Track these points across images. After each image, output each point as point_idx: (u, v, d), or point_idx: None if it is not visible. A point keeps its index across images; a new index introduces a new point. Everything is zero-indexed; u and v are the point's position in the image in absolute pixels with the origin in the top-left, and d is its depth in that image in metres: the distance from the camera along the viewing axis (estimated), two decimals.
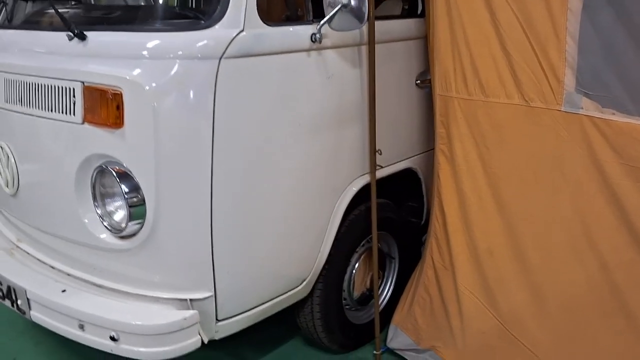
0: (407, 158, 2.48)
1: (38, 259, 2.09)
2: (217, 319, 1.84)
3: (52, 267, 2.03)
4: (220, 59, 1.65)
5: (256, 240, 1.88)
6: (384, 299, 2.70)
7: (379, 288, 2.67)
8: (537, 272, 1.91)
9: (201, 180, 1.69)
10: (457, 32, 1.97)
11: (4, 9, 2.27)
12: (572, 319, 1.83)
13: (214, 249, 1.75)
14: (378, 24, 2.11)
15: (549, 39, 1.71)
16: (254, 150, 1.79)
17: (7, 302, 2.00)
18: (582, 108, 1.68)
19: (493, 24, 1.85)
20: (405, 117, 2.40)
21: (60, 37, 1.78)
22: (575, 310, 1.82)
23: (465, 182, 2.08)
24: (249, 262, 1.88)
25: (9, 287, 1.96)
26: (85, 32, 1.73)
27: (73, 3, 2.12)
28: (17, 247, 2.20)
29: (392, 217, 2.57)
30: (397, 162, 2.41)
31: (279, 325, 2.49)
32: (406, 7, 2.68)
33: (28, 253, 2.15)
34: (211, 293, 1.78)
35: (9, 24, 2.18)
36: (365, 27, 2.02)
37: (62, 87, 1.75)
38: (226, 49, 1.66)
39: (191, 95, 1.64)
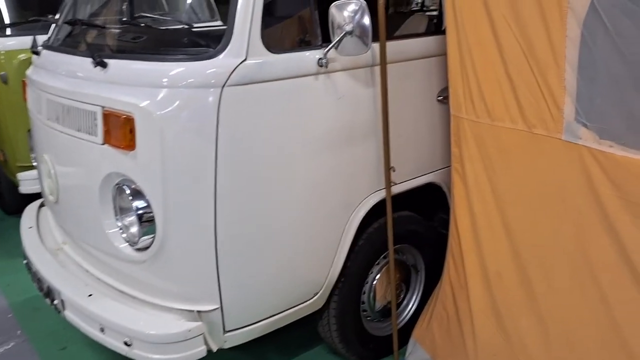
0: (430, 172, 2.48)
1: (77, 262, 2.30)
2: (225, 330, 1.96)
3: (87, 271, 2.23)
4: (223, 87, 1.76)
5: (262, 255, 1.98)
6: (409, 311, 2.72)
7: (403, 300, 2.71)
8: (541, 299, 1.88)
9: (204, 200, 1.81)
10: (465, 54, 1.96)
11: (53, 30, 2.50)
12: (574, 351, 1.78)
13: (218, 264, 1.87)
14: (393, 44, 2.14)
15: (549, 66, 1.67)
16: (258, 169, 1.89)
17: (48, 300, 2.23)
18: (580, 138, 1.63)
19: (497, 48, 1.82)
20: (425, 133, 2.41)
21: (87, 63, 1.96)
22: (576, 342, 1.77)
23: (476, 204, 2.07)
24: (255, 276, 1.98)
25: (48, 287, 2.18)
26: (106, 60, 1.90)
27: (100, 31, 2.30)
28: (62, 248, 2.43)
29: (416, 230, 2.58)
30: (416, 177, 2.42)
31: (306, 329, 2.56)
32: (434, 21, 2.67)
33: (69, 255, 2.36)
34: (217, 305, 1.91)
35: (53, 45, 2.41)
36: (378, 48, 2.05)
37: (87, 111, 1.93)
38: (228, 77, 1.76)
39: (195, 121, 1.77)
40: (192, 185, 1.81)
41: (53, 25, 2.60)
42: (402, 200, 2.38)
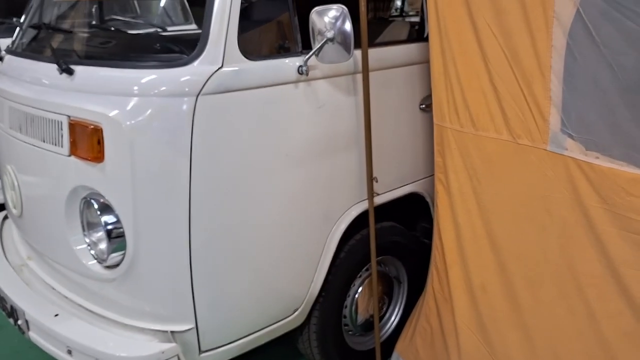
0: (412, 182, 2.43)
1: (42, 279, 2.18)
2: (200, 350, 1.87)
3: (53, 288, 2.11)
4: (198, 95, 1.68)
5: (240, 271, 1.89)
6: (392, 324, 2.67)
7: (385, 313, 2.65)
8: (527, 313, 1.84)
9: (178, 214, 1.72)
10: (449, 63, 1.92)
11: (17, 35, 2.38)
12: None
13: (193, 282, 1.78)
14: (375, 51, 2.09)
15: (534, 76, 1.63)
16: (235, 181, 1.81)
17: (11, 320, 2.10)
18: (566, 149, 1.59)
19: (482, 57, 1.78)
20: (407, 142, 2.36)
21: (52, 69, 1.85)
22: (563, 356, 1.74)
23: (460, 215, 2.03)
24: (232, 294, 1.90)
25: (12, 307, 2.06)
26: (72, 66, 1.80)
27: (67, 35, 2.19)
28: (27, 264, 2.30)
29: (398, 241, 2.53)
30: (399, 187, 2.37)
31: (285, 345, 2.47)
32: (416, 27, 2.62)
33: (34, 271, 2.24)
34: (192, 325, 1.82)
35: (17, 50, 2.29)
36: (359, 56, 1.99)
37: (52, 120, 1.83)
38: (203, 86, 1.68)
39: (167, 132, 1.68)
40: (164, 199, 1.71)
41: (17, 29, 2.48)
42: (384, 210, 2.33)
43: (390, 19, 4.18)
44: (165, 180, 1.70)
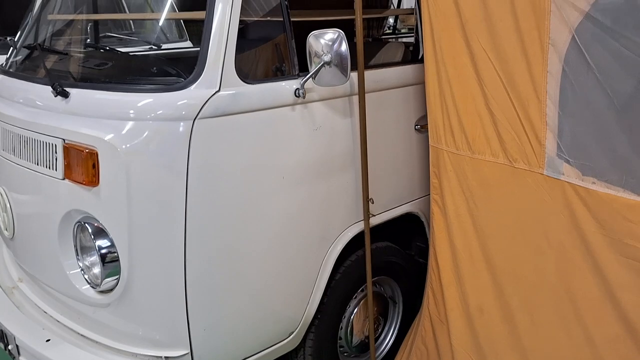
0: (408, 202, 2.43)
1: (34, 302, 2.15)
2: None
3: (45, 312, 2.08)
4: (195, 119, 1.67)
5: (235, 295, 1.88)
6: (387, 344, 2.65)
7: (380, 334, 2.63)
8: (525, 336, 1.83)
9: (174, 239, 1.70)
10: (445, 86, 1.92)
11: (11, 54, 2.37)
12: None
13: (188, 306, 1.76)
14: (371, 73, 2.09)
15: (530, 100, 1.64)
16: (231, 205, 1.80)
17: (1, 345, 2.07)
18: (563, 174, 1.59)
19: (478, 81, 1.79)
20: (403, 162, 2.36)
21: (47, 91, 1.84)
22: None
23: (457, 237, 2.02)
24: (227, 318, 1.88)
25: (2, 331, 2.02)
26: (67, 89, 1.78)
27: (60, 56, 2.17)
28: (17, 286, 2.27)
29: (394, 261, 2.52)
30: (395, 207, 2.37)
31: None
32: (411, 48, 2.64)
33: (25, 294, 2.21)
34: (187, 350, 1.80)
35: (10, 70, 2.28)
36: (355, 78, 1.99)
37: (46, 143, 1.81)
38: (200, 109, 1.67)
39: (163, 156, 1.67)
40: (160, 224, 1.70)
41: (11, 49, 2.46)
42: (378, 230, 2.32)
43: (384, 36, 4.21)
44: (161, 205, 1.69)
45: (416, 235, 2.62)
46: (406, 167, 2.38)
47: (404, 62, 2.51)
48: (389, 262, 2.48)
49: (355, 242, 2.21)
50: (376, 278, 2.41)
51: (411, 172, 2.40)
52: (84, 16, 2.66)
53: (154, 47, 4.23)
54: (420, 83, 2.31)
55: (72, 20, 2.59)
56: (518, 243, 1.78)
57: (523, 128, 1.68)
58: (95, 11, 2.71)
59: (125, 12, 4.39)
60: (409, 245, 2.68)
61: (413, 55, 2.51)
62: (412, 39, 3.74)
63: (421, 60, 2.33)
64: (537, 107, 1.62)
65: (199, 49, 1.72)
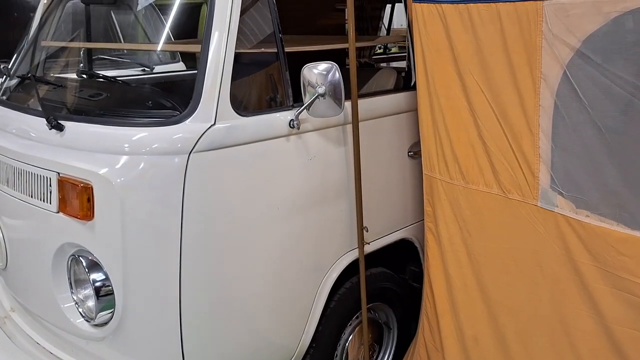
0: (401, 228, 2.43)
1: (26, 332, 2.12)
2: None
3: (37, 343, 2.05)
4: (190, 153, 1.67)
5: (231, 327, 1.87)
6: None
7: None
8: None
9: (169, 272, 1.70)
10: (437, 116, 1.94)
11: (4, 81, 2.36)
12: None
13: (183, 339, 1.75)
14: (364, 102, 2.11)
15: (522, 132, 1.66)
16: (226, 238, 1.79)
17: None
18: (557, 206, 1.61)
19: (470, 112, 1.81)
20: (396, 189, 2.36)
21: (41, 123, 1.83)
22: None
23: (451, 266, 2.03)
24: (222, 351, 1.86)
25: None
26: (62, 122, 1.78)
27: (54, 86, 2.17)
28: (10, 316, 2.24)
29: (388, 287, 2.51)
30: (389, 234, 2.36)
31: None
32: (403, 74, 2.66)
33: (17, 325, 2.18)
34: None
35: (3, 99, 2.27)
36: (349, 107, 2.01)
37: (40, 176, 1.80)
38: (196, 143, 1.68)
39: (158, 190, 1.67)
40: (155, 258, 1.69)
41: (4, 77, 2.46)
42: (372, 256, 2.32)
43: (375, 56, 4.24)
44: (156, 238, 1.68)
45: (410, 260, 2.62)
46: (399, 194, 2.39)
47: (397, 89, 2.53)
48: (383, 288, 2.47)
49: (349, 269, 2.21)
50: (371, 304, 2.40)
51: (404, 199, 2.41)
52: (77, 44, 2.67)
53: (146, 69, 4.24)
54: (413, 110, 2.33)
55: (65, 48, 2.59)
56: (512, 273, 1.79)
57: (516, 160, 1.70)
58: (89, 35, 2.71)
59: (118, 35, 4.40)
60: (402, 269, 2.68)
61: (405, 82, 2.53)
62: (403, 62, 3.78)
63: (414, 87, 2.36)
64: (530, 139, 1.64)
65: (191, 72, 1.72)
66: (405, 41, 2.41)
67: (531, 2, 1.57)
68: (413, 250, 2.52)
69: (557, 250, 1.63)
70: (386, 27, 4.30)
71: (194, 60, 3.89)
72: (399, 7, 4.94)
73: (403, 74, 2.66)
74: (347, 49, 2.05)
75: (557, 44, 1.53)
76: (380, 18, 4.25)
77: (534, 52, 1.59)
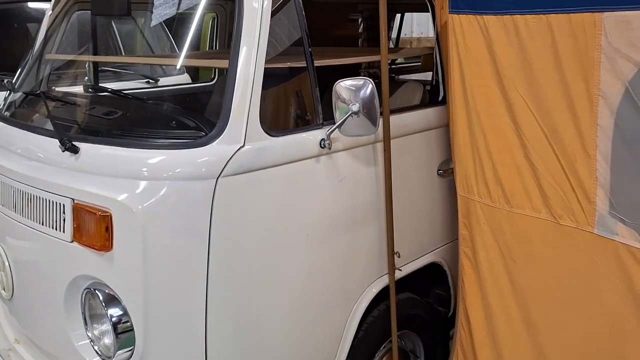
0: (430, 252, 2.31)
1: None
2: None
3: None
4: (218, 177, 1.54)
5: None
6: None
7: None
8: None
9: (194, 307, 1.56)
10: (478, 136, 1.82)
11: (8, 95, 2.23)
12: None
13: None
14: (393, 118, 1.99)
15: (577, 154, 1.54)
16: (255, 266, 1.67)
17: None
18: (617, 234, 1.48)
19: (516, 131, 1.69)
20: (426, 210, 2.24)
21: (53, 145, 1.70)
22: None
23: (491, 295, 1.90)
24: None
25: None
26: (77, 144, 1.64)
27: (64, 103, 2.03)
28: (14, 348, 2.09)
29: (417, 314, 2.38)
30: (419, 257, 2.24)
31: None
32: (428, 87, 2.54)
33: (23, 357, 2.03)
34: None
35: (7, 116, 2.13)
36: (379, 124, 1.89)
37: (52, 202, 1.66)
38: (224, 167, 1.55)
39: (184, 217, 1.54)
40: (179, 292, 1.55)
41: (8, 92, 2.32)
42: (399, 281, 2.19)
43: (394, 66, 4.13)
44: (181, 270, 1.55)
45: (435, 283, 2.49)
46: (429, 215, 2.27)
47: (424, 104, 2.41)
48: (411, 315, 2.34)
49: (378, 296, 2.08)
50: (399, 332, 2.27)
51: (434, 220, 2.29)
52: (84, 57, 2.54)
53: (150, 81, 4.12)
54: (442, 126, 2.22)
55: (72, 62, 2.46)
56: (564, 307, 1.66)
57: (569, 183, 1.57)
58: (95, 47, 2.59)
59: (119, 46, 4.28)
60: (426, 292, 2.55)
61: (432, 96, 2.41)
62: (413, 75, 3.67)
63: (442, 102, 2.25)
64: (586, 161, 1.52)
65: (203, 85, 1.59)
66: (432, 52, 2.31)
67: (588, 13, 1.46)
68: (438, 272, 2.39)
69: (617, 282, 1.51)
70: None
71: (197, 71, 3.78)
72: (407, 16, 4.87)
73: (428, 88, 2.54)
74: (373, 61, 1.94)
75: (618, 59, 1.42)
76: (391, 28, 4.16)
77: (590, 68, 1.47)
